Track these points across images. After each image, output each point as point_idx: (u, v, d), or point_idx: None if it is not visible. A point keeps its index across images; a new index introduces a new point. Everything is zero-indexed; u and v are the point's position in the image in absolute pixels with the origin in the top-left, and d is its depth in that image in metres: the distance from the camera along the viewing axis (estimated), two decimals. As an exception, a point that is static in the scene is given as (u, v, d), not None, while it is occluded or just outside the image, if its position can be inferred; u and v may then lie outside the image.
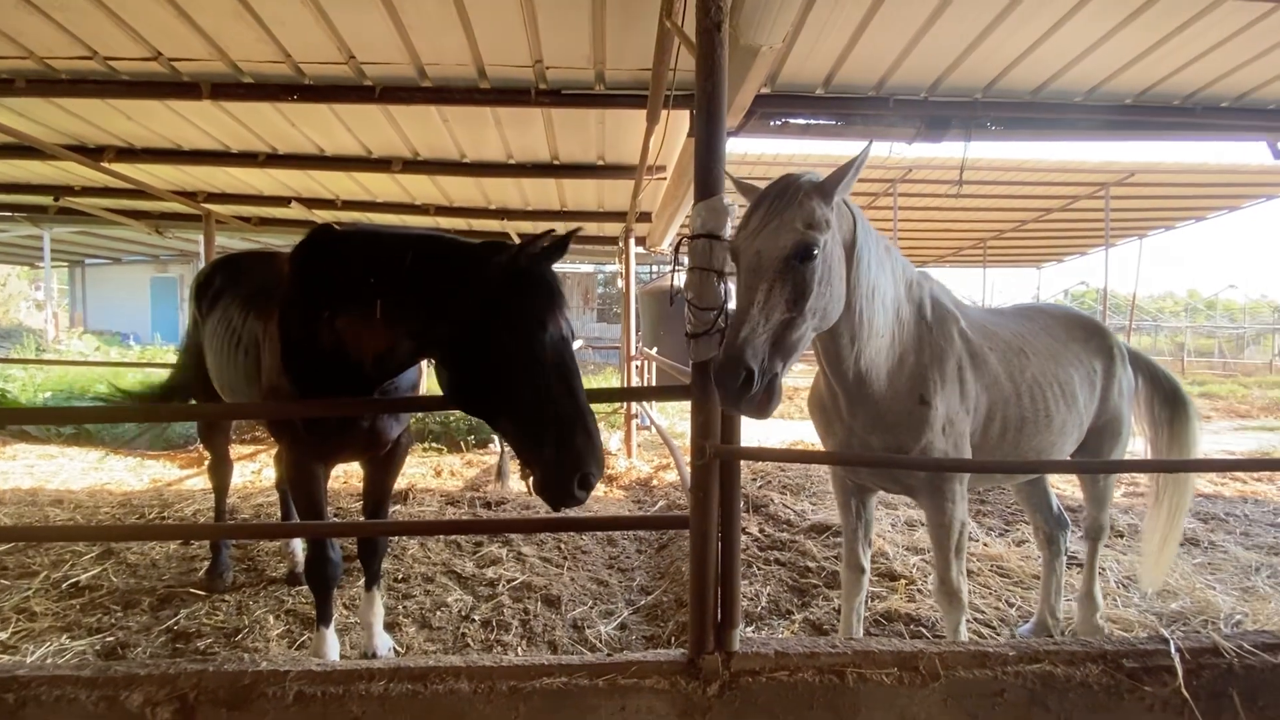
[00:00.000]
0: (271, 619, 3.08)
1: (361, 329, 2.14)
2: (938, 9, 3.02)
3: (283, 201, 6.65)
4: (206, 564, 3.53)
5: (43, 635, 2.91)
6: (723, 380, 1.71)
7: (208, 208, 6.76)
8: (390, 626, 2.99)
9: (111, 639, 2.90)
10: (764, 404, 1.76)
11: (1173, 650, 1.96)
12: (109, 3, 3.05)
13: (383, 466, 2.79)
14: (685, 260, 1.92)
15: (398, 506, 4.97)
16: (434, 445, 7.20)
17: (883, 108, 3.82)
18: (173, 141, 5.07)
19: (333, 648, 2.57)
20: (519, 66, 3.58)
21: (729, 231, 1.81)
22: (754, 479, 5.58)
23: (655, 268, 20.24)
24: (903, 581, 3.41)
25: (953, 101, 3.89)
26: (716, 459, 1.86)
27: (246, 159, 5.25)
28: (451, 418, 7.51)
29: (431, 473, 6.12)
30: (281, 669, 1.84)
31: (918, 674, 1.89)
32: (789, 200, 1.88)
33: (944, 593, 2.36)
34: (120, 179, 5.45)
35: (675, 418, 9.38)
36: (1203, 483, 5.91)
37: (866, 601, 3.17)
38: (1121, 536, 4.31)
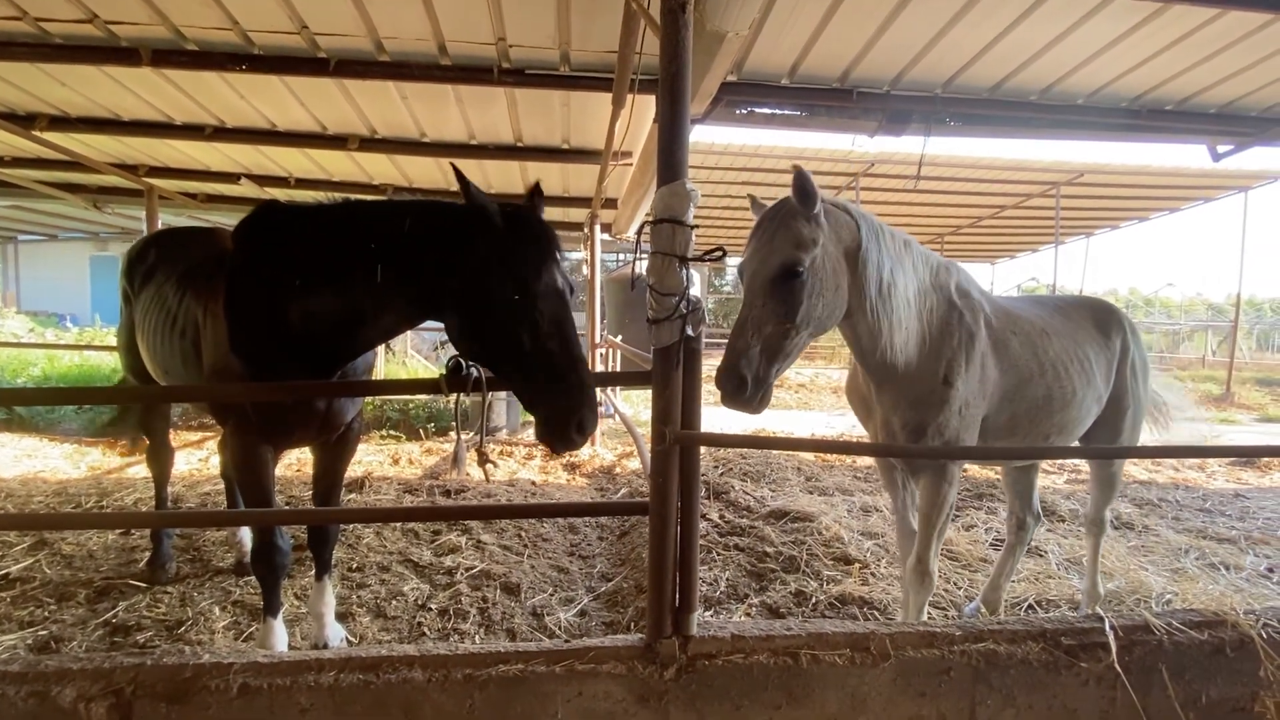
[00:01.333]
0: (217, 610, 2.97)
1: (350, 300, 2.09)
2: (901, 2, 3.06)
3: (232, 178, 6.36)
4: (148, 555, 3.39)
5: (-33, 630, 2.75)
6: (721, 384, 2.06)
7: (150, 182, 6.44)
8: (343, 616, 2.93)
9: (45, 633, 2.76)
10: (760, 404, 2.11)
11: (1107, 628, 2.05)
12: (37, -43, 2.85)
13: (335, 452, 2.71)
14: (648, 245, 1.90)
15: (352, 495, 4.85)
16: (392, 432, 7.05)
17: (846, 100, 3.86)
18: (111, 111, 4.79)
19: (281, 639, 2.50)
20: (481, 44, 3.49)
21: (691, 216, 1.80)
22: (715, 466, 5.63)
23: (621, 256, 20.16)
24: (857, 565, 3.49)
25: (914, 96, 3.95)
26: (677, 444, 1.86)
27: (192, 131, 5.00)
28: (411, 404, 7.37)
29: (389, 460, 6.00)
30: (225, 661, 1.78)
31: (869, 654, 1.94)
32: (779, 224, 2.11)
33: (918, 572, 2.44)
34: (54, 149, 5.13)
35: (640, 406, 9.40)
36: (1138, 470, 6.22)
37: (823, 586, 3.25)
38: (1064, 521, 4.50)
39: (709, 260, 1.99)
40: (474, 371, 1.87)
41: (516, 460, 6.21)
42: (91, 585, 3.20)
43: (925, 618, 2.45)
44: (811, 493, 5.00)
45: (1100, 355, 2.79)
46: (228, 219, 11.22)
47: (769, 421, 9.38)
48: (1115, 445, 2.95)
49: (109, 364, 8.82)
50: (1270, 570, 3.70)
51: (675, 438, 1.85)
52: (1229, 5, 2.92)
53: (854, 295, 2.23)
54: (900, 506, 2.69)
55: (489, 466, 1.90)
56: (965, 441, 2.38)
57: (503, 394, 7.44)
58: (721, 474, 5.36)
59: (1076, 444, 2.91)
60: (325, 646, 2.57)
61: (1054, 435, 2.65)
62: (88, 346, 9.30)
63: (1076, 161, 10.63)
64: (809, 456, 6.12)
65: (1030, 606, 3.15)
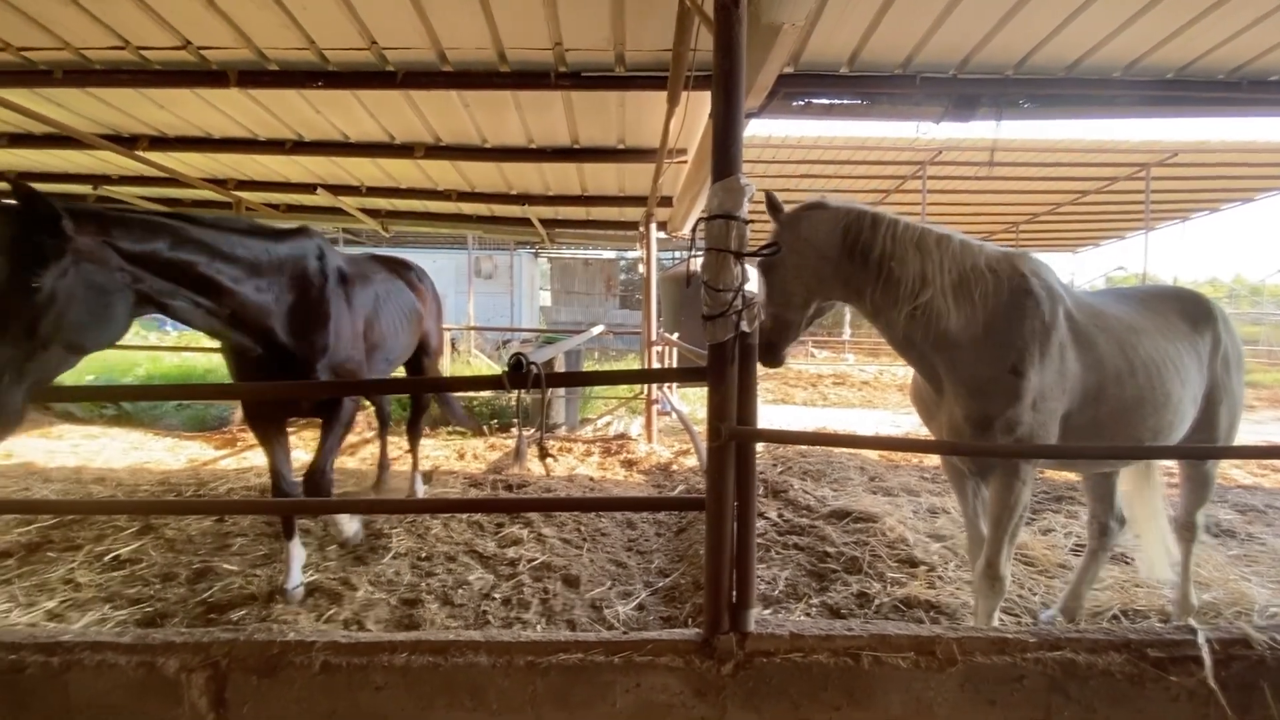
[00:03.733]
0: (300, 593, 3.18)
1: None
2: (968, -18, 2.93)
3: (309, 188, 6.76)
4: (241, 540, 3.66)
5: (86, 605, 3.05)
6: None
7: (238, 195, 6.91)
8: (413, 602, 3.08)
9: (150, 609, 3.02)
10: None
11: (1200, 640, 1.91)
12: (138, -8, 3.11)
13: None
14: (703, 242, 1.91)
15: (425, 486, 5.07)
16: (458, 429, 7.30)
17: (909, 86, 3.73)
18: (203, 129, 5.18)
19: (298, 555, 3.21)
20: (539, 49, 3.57)
21: (745, 211, 1.79)
22: (774, 465, 5.56)
23: (676, 254, 20.15)
24: (923, 568, 3.38)
25: (983, 79, 3.77)
26: (733, 440, 1.86)
27: (274, 146, 5.35)
28: (474, 401, 7.61)
29: (455, 455, 6.22)
30: (308, 639, 1.90)
31: (934, 659, 1.88)
32: None
33: (988, 576, 2.34)
34: (154, 167, 5.60)
35: (696, 404, 9.38)
36: (1242, 474, 5.73)
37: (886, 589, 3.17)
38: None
39: (765, 255, 1.99)
40: (535, 368, 1.93)
41: (575, 456, 6.31)
42: (191, 566, 3.48)
43: (996, 624, 2.35)
44: (875, 493, 4.86)
45: (1191, 351, 2.59)
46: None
47: (831, 420, 9.18)
48: (1206, 444, 2.74)
49: (204, 364, 9.53)
50: (1398, 585, 3.35)
51: (731, 433, 1.85)
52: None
53: (844, 279, 2.34)
54: (969, 508, 2.59)
55: (549, 460, 1.95)
56: (1042, 439, 2.26)
57: (562, 391, 7.58)
58: (780, 472, 5.29)
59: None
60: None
61: (1149, 440, 2.48)
62: (185, 349, 10.08)
63: (1168, 140, 9.85)
64: (873, 456, 5.95)
65: (1114, 616, 2.97)
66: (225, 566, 3.48)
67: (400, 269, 4.35)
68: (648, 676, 1.86)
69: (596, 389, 8.74)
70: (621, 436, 7.23)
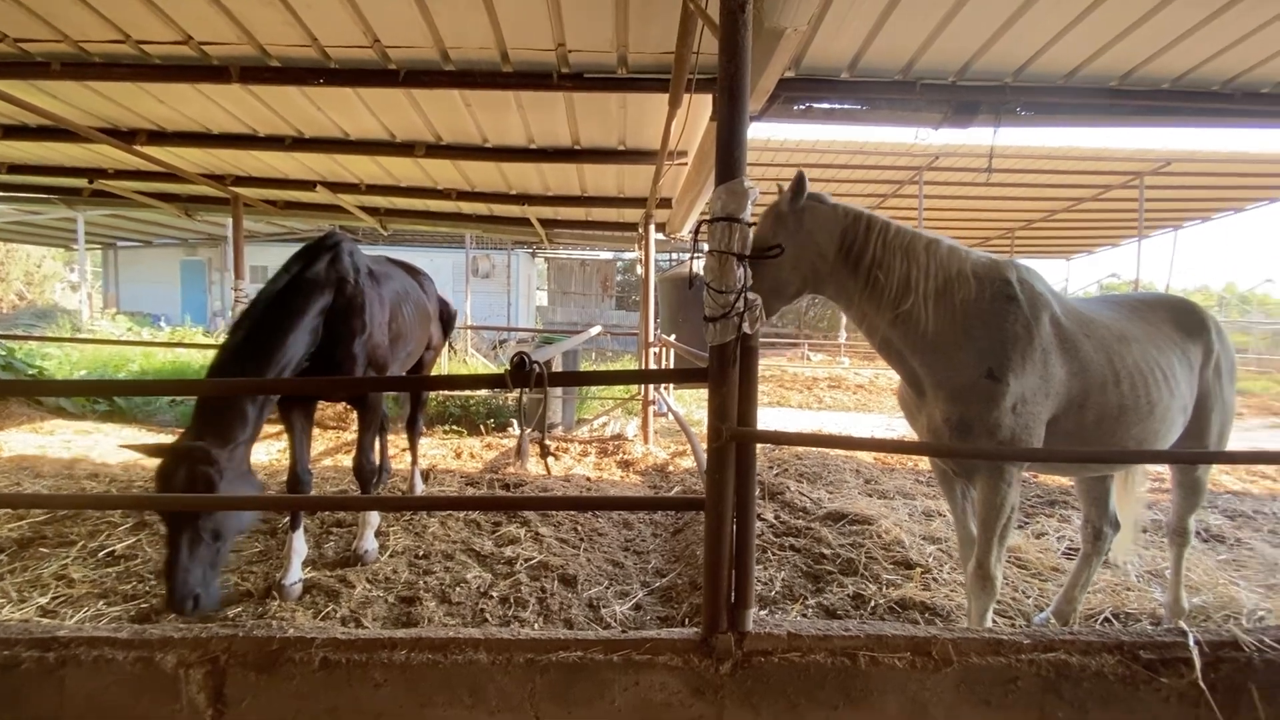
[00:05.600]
0: (299, 589, 3.17)
1: None
2: (968, -10, 2.96)
3: (309, 185, 6.74)
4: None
5: (80, 601, 3.03)
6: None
7: (235, 191, 6.89)
8: (411, 600, 3.08)
9: (146, 605, 3.01)
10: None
11: (1191, 642, 1.94)
12: (141, -14, 3.11)
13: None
14: (705, 244, 1.93)
15: (423, 484, 5.06)
16: (454, 428, 7.30)
17: (909, 92, 3.76)
18: (202, 125, 5.16)
19: (300, 548, 3.27)
20: (541, 50, 3.58)
21: (749, 214, 1.81)
22: (770, 467, 5.58)
23: (674, 256, 20.18)
24: (918, 570, 3.40)
25: (982, 86, 3.80)
26: (733, 441, 1.88)
27: (273, 143, 5.33)
28: (471, 400, 7.61)
29: (452, 454, 6.22)
30: (308, 636, 1.90)
31: (930, 659, 1.90)
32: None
33: (979, 576, 2.36)
34: (152, 162, 5.57)
35: (692, 405, 9.40)
36: (1231, 480, 5.79)
37: (882, 589, 3.20)
38: (1145, 531, 4.25)
39: (767, 258, 2.00)
40: (538, 367, 1.94)
41: (572, 456, 6.32)
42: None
43: (989, 625, 2.38)
44: (870, 495, 4.89)
45: (1183, 360, 2.61)
46: (303, 224, 11.86)
47: (826, 423, 9.21)
48: (1195, 450, 2.77)
49: (199, 360, 9.49)
50: (1384, 591, 3.39)
51: (731, 434, 1.87)
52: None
53: (837, 282, 2.36)
54: (958, 510, 2.61)
55: (549, 459, 1.96)
56: (1026, 443, 2.28)
57: (559, 391, 7.59)
58: (777, 474, 5.31)
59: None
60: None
61: (1134, 448, 2.50)
62: (179, 344, 10.03)
63: (1162, 149, 9.96)
64: (868, 458, 5.99)
65: (1106, 619, 3.00)
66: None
67: (413, 272, 4.76)
68: (646, 675, 1.88)
69: (593, 389, 8.75)
70: (618, 437, 7.24)
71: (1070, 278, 21.08)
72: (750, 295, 1.86)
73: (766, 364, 16.83)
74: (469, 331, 14.87)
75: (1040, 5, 3.05)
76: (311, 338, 3.12)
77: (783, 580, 3.33)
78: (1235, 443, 2.99)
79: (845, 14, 3.15)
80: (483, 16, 3.24)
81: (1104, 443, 2.43)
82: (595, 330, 8.37)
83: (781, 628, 1.96)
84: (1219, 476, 5.77)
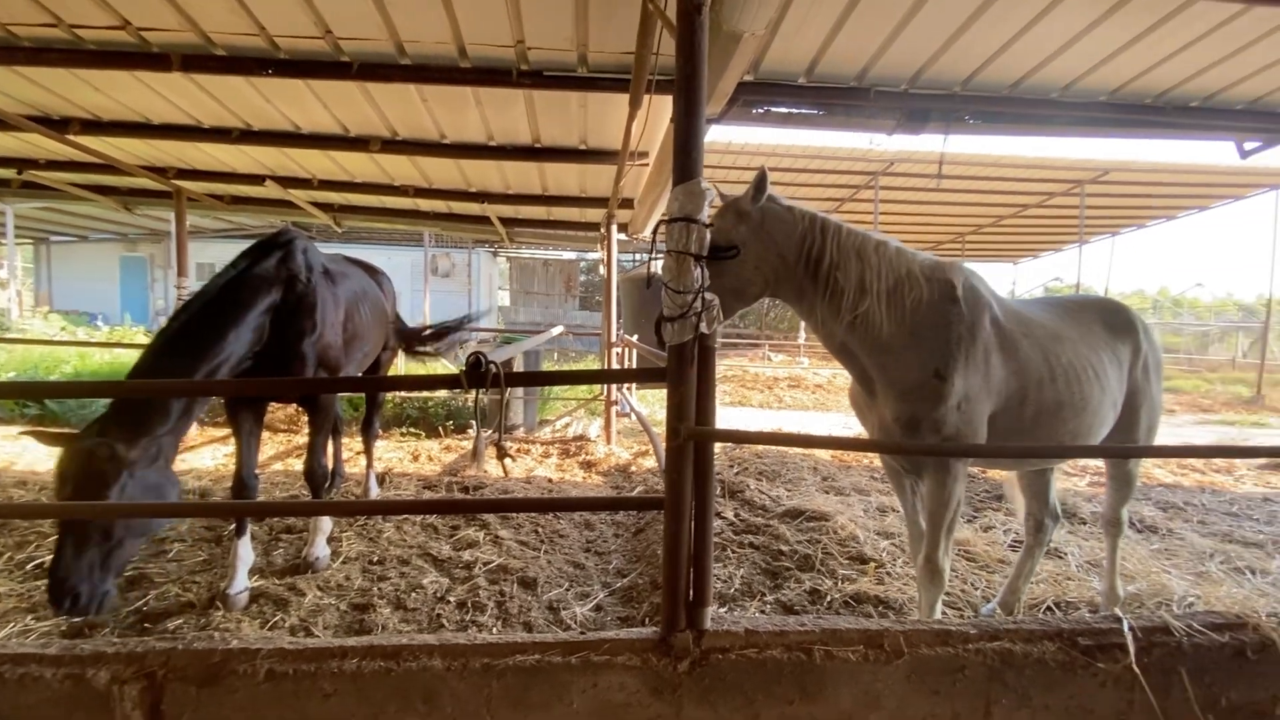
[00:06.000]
0: (245, 599, 3.05)
1: None
2: (919, 0, 3.05)
3: (257, 179, 6.50)
4: (178, 546, 3.49)
5: (6, 616, 2.86)
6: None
7: (179, 184, 6.60)
8: (364, 607, 3.00)
9: (78, 619, 2.85)
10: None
11: (1125, 629, 2.04)
12: (74, -33, 2.95)
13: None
14: (664, 244, 1.93)
15: (379, 488, 4.94)
16: (412, 430, 7.15)
17: (864, 98, 3.85)
18: (141, 115, 4.92)
19: (246, 554, 3.14)
20: (500, 46, 3.54)
21: (705, 214, 1.82)
22: (731, 465, 5.64)
23: (637, 256, 20.21)
24: (873, 564, 3.49)
25: (932, 94, 3.92)
26: (691, 440, 1.89)
27: (219, 135, 5.12)
28: (430, 402, 7.47)
29: (409, 457, 6.09)
30: (253, 647, 1.83)
31: (883, 651, 1.95)
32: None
33: (929, 569, 2.43)
34: (87, 152, 5.29)
35: (655, 405, 9.42)
36: (1163, 473, 6.11)
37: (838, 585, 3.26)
38: (1085, 523, 4.45)
39: (724, 258, 2.02)
40: (494, 367, 1.91)
41: (533, 458, 6.27)
42: (123, 574, 3.30)
43: (939, 616, 2.45)
44: (828, 492, 4.99)
45: (1113, 358, 2.74)
46: (253, 220, 11.45)
47: (786, 421, 9.35)
48: (1125, 445, 2.91)
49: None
50: (1298, 575, 3.63)
51: (689, 433, 1.87)
52: (1253, 0, 2.88)
53: (798, 288, 2.37)
54: (908, 505, 2.69)
55: (507, 461, 1.94)
56: (969, 439, 2.36)
57: (520, 392, 7.51)
58: (737, 473, 5.37)
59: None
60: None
61: (1068, 443, 2.62)
62: (117, 344, 9.55)
63: (1101, 159, 10.45)
64: (825, 456, 6.10)
65: (1049, 608, 3.12)
66: (161, 573, 3.32)
67: (371, 271, 4.69)
68: (605, 676, 1.87)
69: (555, 390, 8.69)
70: (580, 438, 7.21)
71: (1017, 281, 21.98)
72: (708, 295, 1.88)
73: (728, 364, 17.01)
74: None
75: (986, 18, 3.16)
76: (255, 336, 3.01)
77: (742, 577, 3.36)
78: (1168, 437, 3.15)
79: (802, 20, 3.21)
80: (439, 11, 3.18)
81: (1041, 438, 2.54)
82: (557, 330, 8.31)
83: (739, 624, 1.98)
84: (1153, 470, 6.09)
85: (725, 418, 8.75)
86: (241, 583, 3.06)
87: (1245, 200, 12.62)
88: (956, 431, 2.32)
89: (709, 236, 1.88)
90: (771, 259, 2.30)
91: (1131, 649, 1.99)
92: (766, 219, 2.30)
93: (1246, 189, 12.05)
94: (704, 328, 1.86)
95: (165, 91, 4.37)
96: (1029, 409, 2.48)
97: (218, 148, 5.50)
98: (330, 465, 4.87)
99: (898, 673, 1.94)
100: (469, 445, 6.41)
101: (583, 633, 2.00)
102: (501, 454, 1.96)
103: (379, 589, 3.20)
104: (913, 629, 1.99)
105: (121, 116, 4.97)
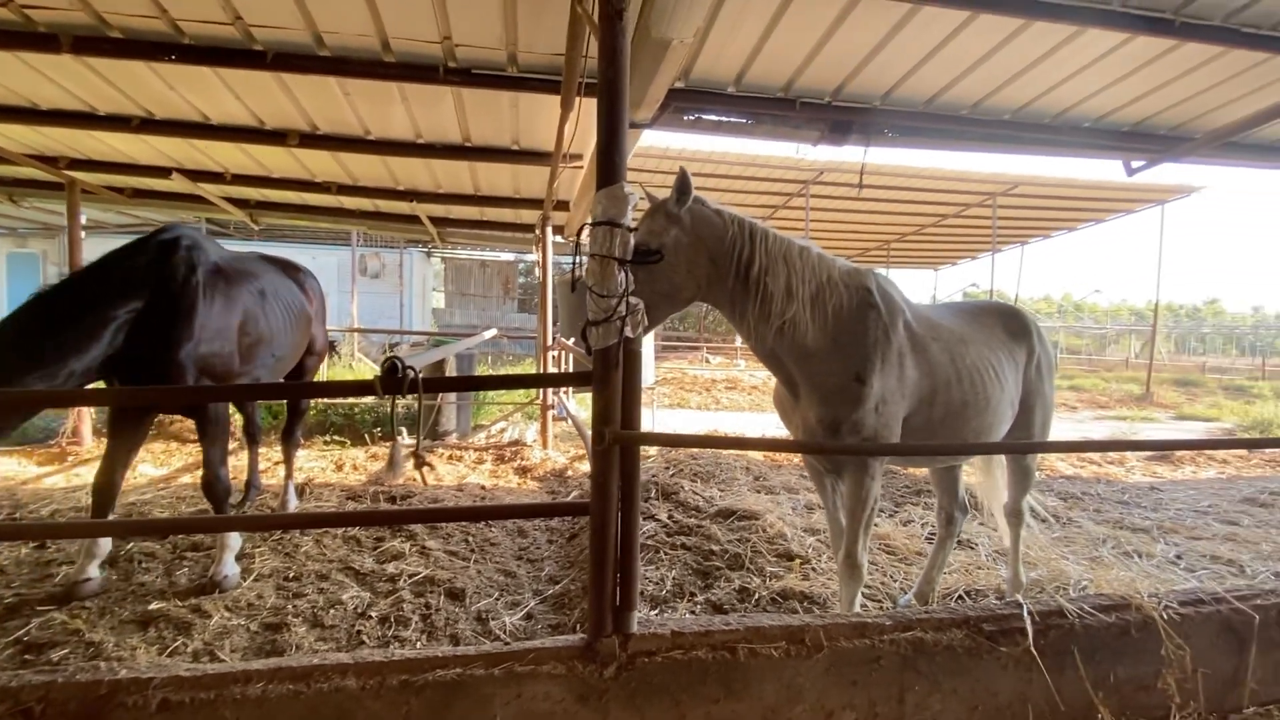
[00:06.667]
0: (140, 625, 2.83)
1: None
2: (841, 14, 3.17)
3: (163, 172, 6.06)
4: (66, 569, 3.21)
5: None
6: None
7: (72, 175, 6.09)
8: (277, 627, 2.83)
9: (-57, 656, 2.57)
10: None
11: (1025, 614, 2.17)
12: (-61, -67, 2.67)
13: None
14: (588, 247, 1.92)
15: (298, 500, 4.69)
16: (336, 438, 6.84)
17: (790, 109, 3.96)
18: (27, 99, 4.50)
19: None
20: (426, 42, 3.44)
21: (629, 218, 1.83)
22: (667, 467, 5.67)
23: (578, 258, 20.09)
24: (799, 561, 3.58)
25: (854, 107, 4.08)
26: (616, 444, 1.88)
27: (117, 123, 4.74)
28: (356, 408, 7.17)
29: (333, 466, 5.81)
30: (144, 676, 1.70)
31: (804, 646, 2.00)
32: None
33: (849, 565, 2.51)
34: (-39, 138, 4.80)
35: (593, 409, 9.37)
36: (1065, 466, 6.57)
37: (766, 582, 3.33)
38: (994, 515, 4.72)
39: (648, 262, 2.03)
40: (411, 372, 1.85)
41: (466, 465, 6.11)
42: (2, 602, 3.00)
43: (859, 609, 2.54)
44: (759, 492, 5.10)
45: (1010, 360, 2.92)
46: (160, 215, 10.67)
47: (720, 422, 9.51)
48: (1024, 441, 3.11)
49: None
50: (1179, 557, 3.97)
51: (614, 437, 1.87)
52: (1136, 30, 3.14)
53: (729, 295, 2.38)
54: (829, 503, 2.78)
55: (425, 469, 1.87)
56: (886, 439, 2.47)
57: (453, 397, 7.32)
58: (672, 475, 5.41)
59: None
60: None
61: (972, 439, 2.78)
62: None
63: (1012, 174, 11.18)
64: (758, 456, 6.23)
65: (960, 596, 3.29)
66: (45, 599, 3.03)
67: (290, 270, 4.43)
68: (529, 686, 1.84)
69: (491, 394, 8.52)
70: (516, 443, 7.09)
71: (937, 286, 23.17)
72: (632, 300, 1.88)
73: (668, 367, 17.15)
74: (356, 335, 14.03)
75: (902, 36, 3.32)
76: (106, 343, 2.78)
77: (673, 579, 3.39)
78: (1068, 432, 3.39)
79: (731, 30, 3.28)
80: (359, 2, 3.06)
81: (949, 436, 2.68)
82: (489, 334, 8.14)
83: (665, 627, 1.99)
84: (1055, 463, 6.54)
85: (664, 420, 8.80)
86: (93, 572, 3.02)
87: (1135, 214, 13.81)
88: (875, 432, 2.42)
89: (633, 240, 1.88)
90: (702, 263, 2.30)
91: (1030, 633, 2.13)
92: (696, 222, 2.30)
93: (1135, 204, 13.18)
94: (629, 332, 1.86)
95: (54, 75, 4.01)
96: (938, 409, 2.61)
97: (116, 137, 5.10)
98: (247, 476, 4.60)
99: (818, 666, 1.99)
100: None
101: (508, 644, 1.96)
102: (420, 463, 1.89)
103: (294, 607, 3.03)
104: (832, 623, 2.06)
105: (4, 100, 4.54)
